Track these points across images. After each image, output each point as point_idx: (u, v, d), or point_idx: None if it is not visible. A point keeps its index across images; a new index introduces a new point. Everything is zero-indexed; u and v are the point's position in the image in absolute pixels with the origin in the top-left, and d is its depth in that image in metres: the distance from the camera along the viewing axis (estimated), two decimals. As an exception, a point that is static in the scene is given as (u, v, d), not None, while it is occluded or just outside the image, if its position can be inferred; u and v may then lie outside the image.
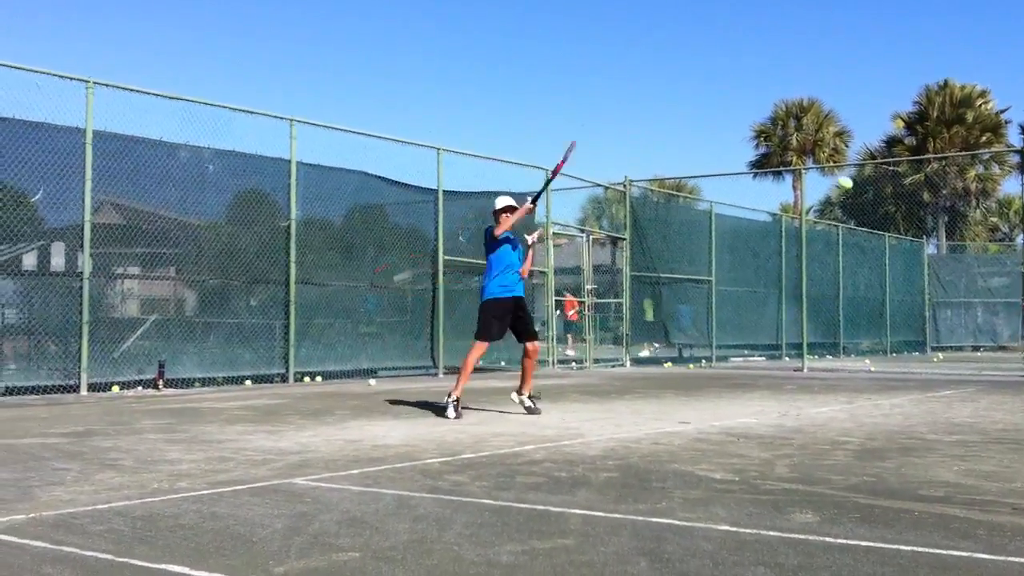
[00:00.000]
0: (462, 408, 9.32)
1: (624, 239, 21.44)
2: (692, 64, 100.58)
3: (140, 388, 12.65)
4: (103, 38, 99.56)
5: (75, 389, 11.96)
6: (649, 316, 23.40)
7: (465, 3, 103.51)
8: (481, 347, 9.48)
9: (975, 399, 11.85)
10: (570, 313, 23.77)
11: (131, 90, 12.81)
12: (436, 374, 16.72)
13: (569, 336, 25.20)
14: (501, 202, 9.53)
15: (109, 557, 3.76)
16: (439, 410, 9.75)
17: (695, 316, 23.07)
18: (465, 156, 17.75)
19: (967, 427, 8.57)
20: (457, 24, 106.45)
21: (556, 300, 20.02)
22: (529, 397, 9.63)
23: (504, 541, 4.02)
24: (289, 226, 14.64)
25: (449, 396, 9.30)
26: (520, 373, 9.75)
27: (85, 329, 12.08)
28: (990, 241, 48.48)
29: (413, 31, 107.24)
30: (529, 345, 9.54)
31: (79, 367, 12.06)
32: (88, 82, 12.28)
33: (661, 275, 21.93)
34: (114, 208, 13.32)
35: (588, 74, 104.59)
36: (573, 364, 20.00)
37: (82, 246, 12.19)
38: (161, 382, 12.76)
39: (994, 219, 51.17)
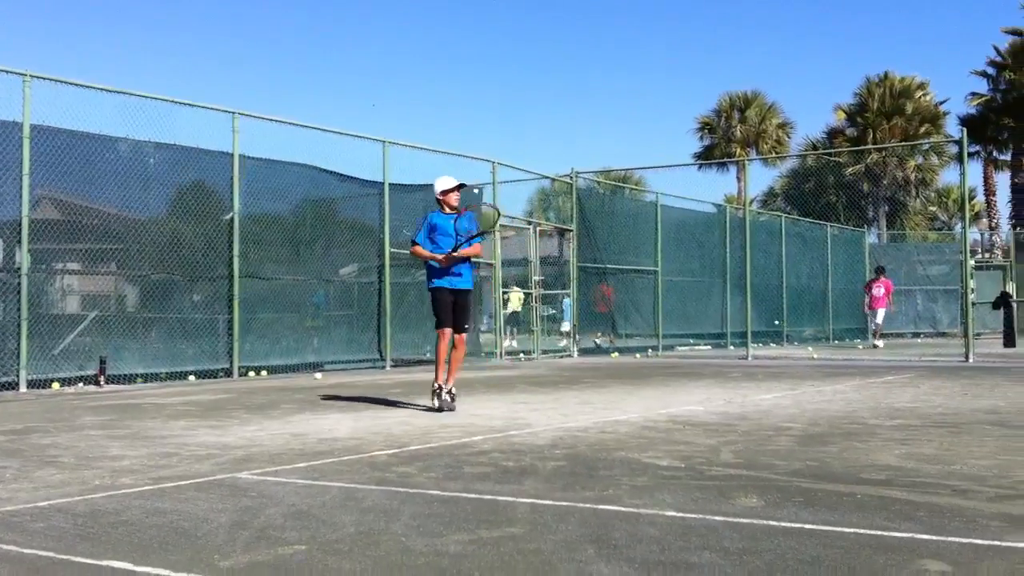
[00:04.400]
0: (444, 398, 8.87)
1: (571, 230, 21.51)
2: (638, 56, 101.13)
3: (81, 384, 12.46)
4: (40, 32, 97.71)
5: (14, 386, 11.74)
6: (515, 306, 23.23)
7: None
8: (440, 334, 9.05)
9: (915, 384, 12.05)
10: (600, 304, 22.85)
11: (69, 83, 12.58)
12: (384, 367, 16.65)
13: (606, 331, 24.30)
14: (440, 184, 9.27)
15: (50, 554, 3.69)
16: (386, 403, 9.69)
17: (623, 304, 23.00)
18: (411, 148, 17.69)
19: (908, 412, 8.71)
20: (402, 16, 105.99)
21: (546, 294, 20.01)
22: (448, 392, 9.02)
23: (452, 531, 4.01)
24: (232, 220, 14.49)
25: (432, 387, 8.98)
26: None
27: (24, 326, 11.87)
28: (930, 230, 49.36)
29: (358, 24, 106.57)
30: (455, 337, 9.13)
31: (18, 364, 11.85)
32: (25, 75, 12.04)
33: (608, 266, 22.03)
34: (53, 203, 13.08)
35: (534, 66, 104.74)
36: (521, 355, 20.02)
37: (20, 242, 11.97)
38: (102, 378, 12.57)
39: (933, 208, 52.08)
